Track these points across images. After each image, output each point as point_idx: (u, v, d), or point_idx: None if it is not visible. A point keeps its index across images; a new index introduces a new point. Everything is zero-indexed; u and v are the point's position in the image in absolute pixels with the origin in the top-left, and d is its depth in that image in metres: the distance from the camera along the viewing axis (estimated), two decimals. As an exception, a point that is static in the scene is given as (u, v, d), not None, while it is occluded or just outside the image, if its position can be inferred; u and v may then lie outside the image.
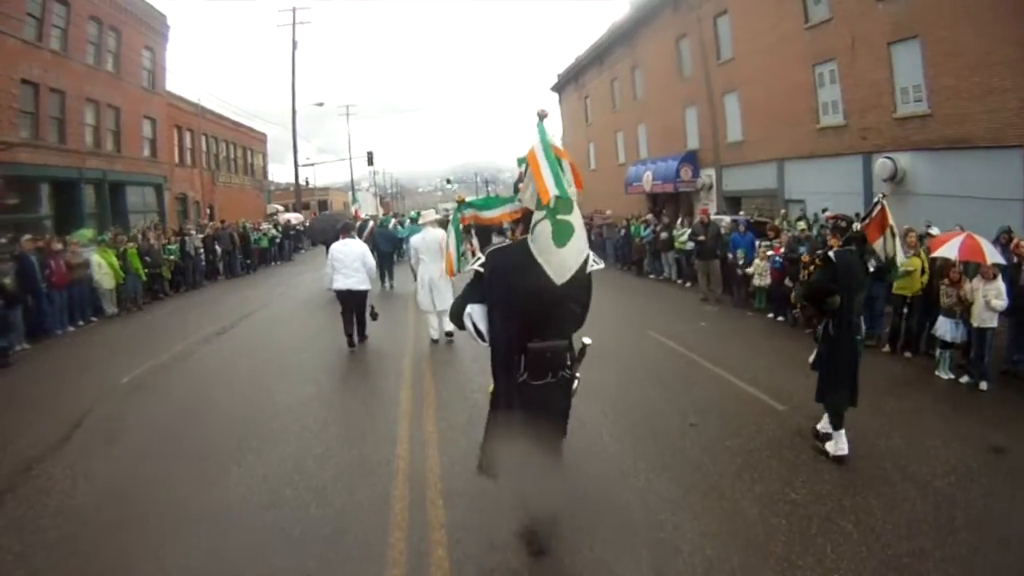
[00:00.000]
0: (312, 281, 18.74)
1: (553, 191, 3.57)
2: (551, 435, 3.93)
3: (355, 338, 10.08)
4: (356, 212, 19.29)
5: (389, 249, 17.74)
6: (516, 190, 4.56)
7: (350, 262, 9.62)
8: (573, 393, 4.05)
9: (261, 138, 45.54)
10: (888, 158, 15.93)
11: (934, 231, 10.13)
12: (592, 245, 22.63)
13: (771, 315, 12.23)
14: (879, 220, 6.52)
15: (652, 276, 18.78)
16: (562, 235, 3.58)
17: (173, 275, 18.54)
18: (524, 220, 3.98)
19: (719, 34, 22.65)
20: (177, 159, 31.13)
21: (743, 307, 13.40)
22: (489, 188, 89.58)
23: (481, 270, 3.86)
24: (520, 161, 4.15)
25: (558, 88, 45.03)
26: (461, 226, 6.21)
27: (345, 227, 10.63)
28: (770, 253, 12.22)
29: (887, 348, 9.70)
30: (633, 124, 31.82)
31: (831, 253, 5.92)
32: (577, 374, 4.07)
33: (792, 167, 19.76)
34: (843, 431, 5.66)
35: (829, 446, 5.74)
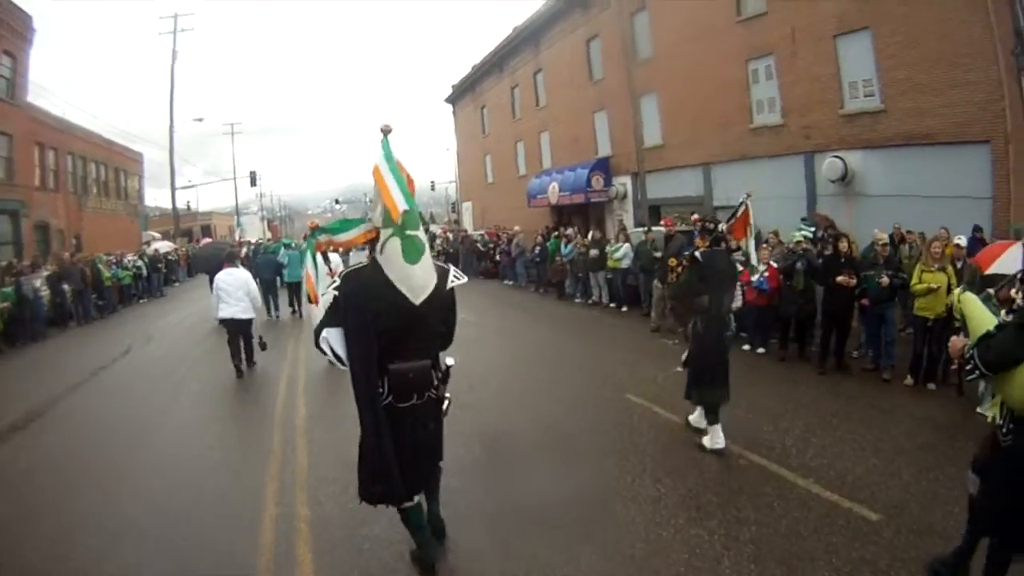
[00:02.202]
0: (179, 323, 16.71)
1: (402, 205, 3.56)
2: (424, 458, 3.92)
3: (243, 367, 10.02)
4: (237, 240, 19.36)
5: (271, 276, 16.46)
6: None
7: (234, 291, 9.66)
8: (444, 414, 4.03)
9: (136, 158, 40.87)
10: (837, 157, 14.34)
11: (960, 241, 8.33)
12: (498, 266, 19.72)
13: (747, 347, 9.99)
14: (743, 220, 6.63)
15: (579, 300, 16.38)
16: (413, 251, 3.58)
17: (7, 326, 14.60)
18: (379, 238, 3.80)
19: (636, 32, 20.85)
20: (38, 182, 26.59)
21: None
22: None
23: (336, 293, 3.74)
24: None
25: (452, 99, 42.67)
26: (319, 253, 5.97)
27: (229, 256, 10.85)
28: (756, 276, 9.49)
29: (909, 380, 7.71)
30: (535, 133, 29.66)
31: (698, 253, 6.10)
32: (447, 394, 4.01)
33: (721, 171, 17.96)
34: (719, 425, 5.78)
35: (706, 441, 5.85)
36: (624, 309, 14.47)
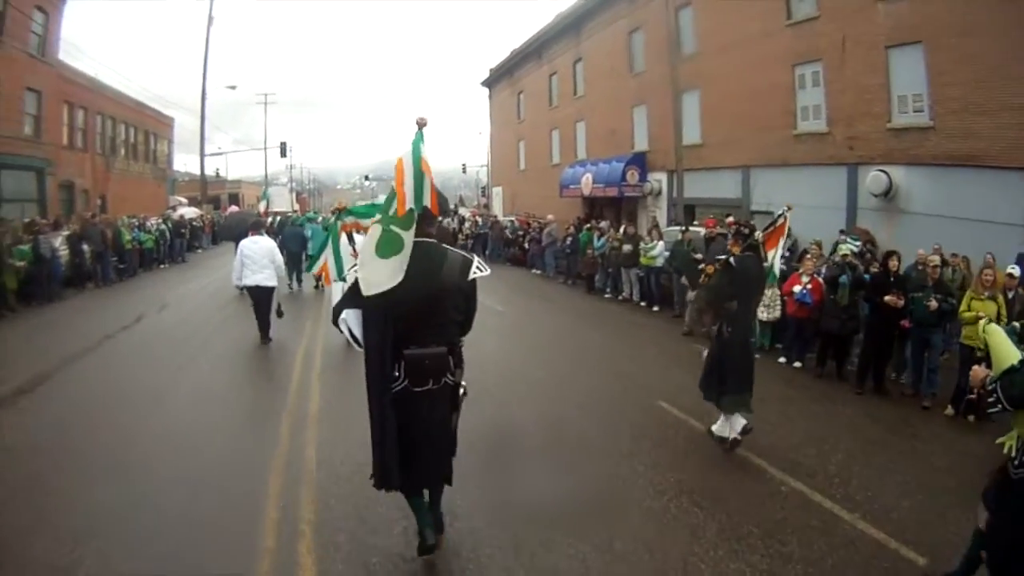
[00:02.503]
0: (199, 290, 16.68)
1: (409, 203, 3.55)
2: (435, 446, 3.92)
3: (268, 332, 10.26)
4: (264, 210, 19.07)
5: (297, 249, 16.52)
6: None
7: (259, 258, 9.78)
8: (461, 399, 4.04)
9: (167, 122, 40.76)
10: (881, 171, 14.21)
11: (1013, 270, 8.26)
12: (527, 254, 19.53)
13: (783, 359, 9.92)
14: (779, 231, 6.56)
15: (608, 295, 16.19)
16: (388, 247, 3.56)
17: (23, 285, 14.31)
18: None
19: (681, 27, 20.61)
20: (66, 140, 26.54)
21: None
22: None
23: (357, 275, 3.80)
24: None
25: (489, 83, 42.54)
26: (343, 233, 5.69)
27: (255, 224, 10.96)
28: (799, 287, 9.54)
29: (950, 410, 7.64)
30: (571, 122, 29.53)
31: (731, 259, 6.13)
32: (463, 382, 4.02)
33: (761, 175, 17.81)
34: (737, 416, 5.95)
35: (715, 427, 6.15)
36: (655, 308, 14.32)
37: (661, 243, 14.47)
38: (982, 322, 3.98)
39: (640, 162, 23.25)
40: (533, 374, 8.80)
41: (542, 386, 8.25)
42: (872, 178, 14.35)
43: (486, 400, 6.93)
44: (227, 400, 7.52)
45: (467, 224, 29.47)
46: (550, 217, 21.27)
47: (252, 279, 9.79)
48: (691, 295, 11.68)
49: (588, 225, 18.60)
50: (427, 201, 3.61)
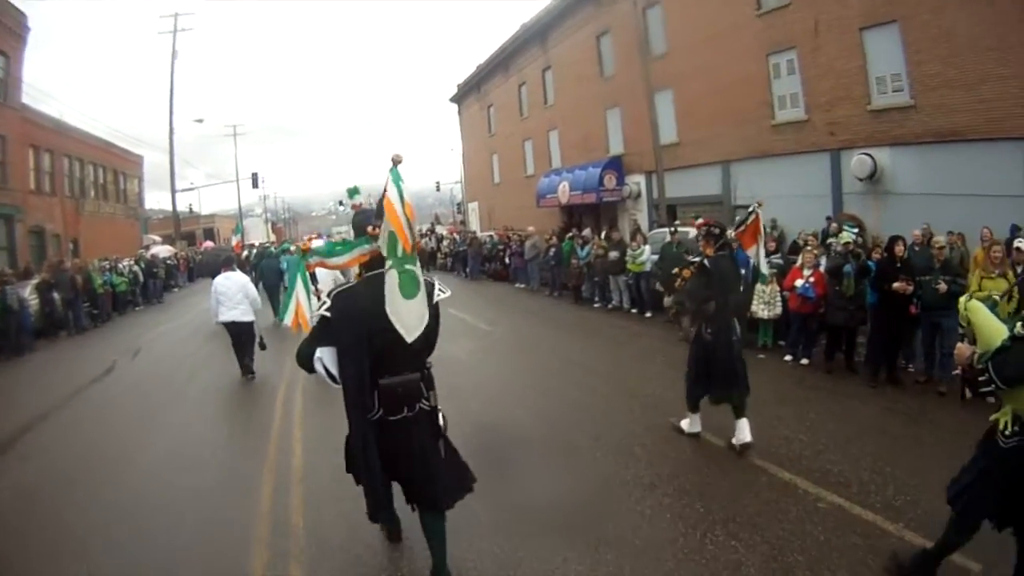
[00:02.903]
0: (172, 332, 15.85)
1: (411, 240, 3.58)
2: (419, 472, 3.86)
3: (251, 366, 10.11)
4: (236, 244, 19.01)
5: (275, 281, 16.21)
6: (360, 230, 4.09)
7: (233, 294, 9.72)
8: (443, 427, 3.95)
9: (136, 160, 40.13)
10: (866, 154, 13.86)
11: (1022, 244, 7.78)
12: (508, 268, 18.63)
13: (788, 358, 9.28)
14: (753, 228, 6.43)
15: (597, 304, 15.52)
16: (411, 287, 3.54)
17: None
18: (371, 261, 3.93)
19: (649, 27, 20.33)
20: (33, 185, 26.00)
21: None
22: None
23: (327, 314, 3.71)
24: (351, 192, 4.36)
25: (457, 99, 42.16)
26: (308, 273, 5.80)
27: (226, 260, 10.97)
28: (801, 281, 8.94)
29: (969, 394, 7.16)
30: (544, 131, 29.16)
31: (705, 260, 6.08)
32: (439, 406, 3.97)
33: (741, 169, 17.39)
34: (698, 414, 6.27)
35: (684, 424, 6.38)
36: (648, 315, 13.66)
37: (647, 247, 13.95)
38: (963, 299, 3.78)
39: (617, 166, 22.84)
40: (536, 403, 7.94)
41: (547, 415, 7.40)
42: (856, 162, 14.01)
43: (490, 436, 6.42)
44: (202, 458, 6.67)
45: (445, 242, 29.01)
46: (531, 229, 20.66)
47: (228, 315, 9.69)
48: (668, 300, 11.23)
49: (570, 234, 18.09)
50: (413, 236, 3.64)
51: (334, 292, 3.83)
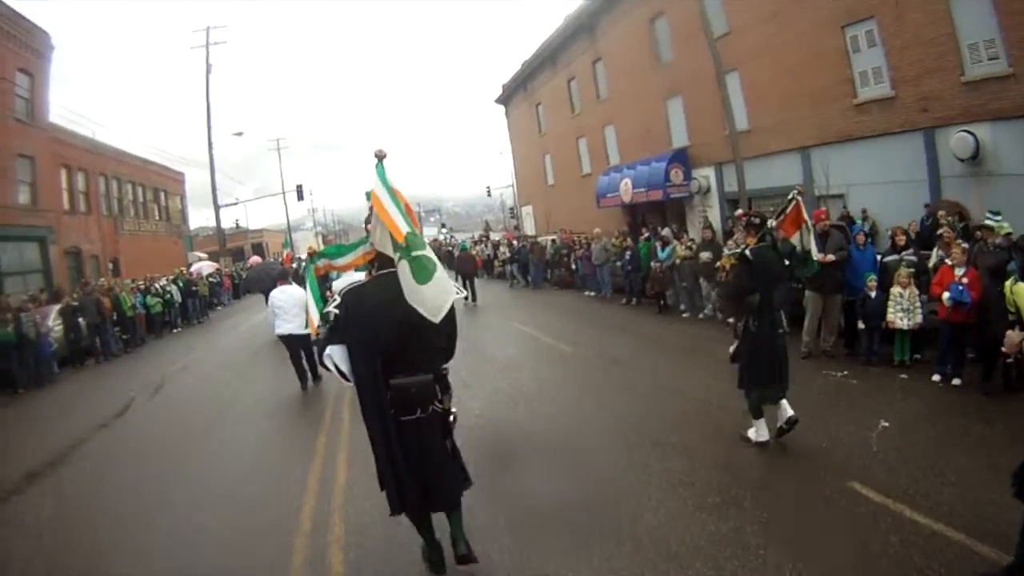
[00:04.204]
0: (207, 358, 14.78)
1: (404, 228, 3.63)
2: (433, 473, 3.91)
3: (307, 380, 10.24)
4: (287, 257, 18.84)
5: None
6: (366, 229, 4.32)
7: (289, 308, 9.84)
8: (452, 425, 4.05)
9: (177, 178, 40.36)
10: (966, 131, 12.48)
11: None
12: (575, 274, 17.42)
13: (937, 377, 7.64)
14: (794, 216, 6.35)
15: (686, 314, 13.83)
16: (423, 271, 3.55)
17: (3, 372, 13.21)
18: (378, 260, 4.03)
19: (707, 5, 19.00)
20: (67, 205, 26.01)
21: (873, 362, 8.54)
22: (432, 218, 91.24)
23: (338, 311, 3.86)
24: (368, 196, 4.01)
25: (504, 100, 41.41)
26: (316, 276, 5.88)
27: (281, 274, 11.49)
28: (954, 287, 7.36)
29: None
30: (598, 127, 28.04)
31: (747, 251, 5.99)
32: (453, 408, 4.05)
33: (823, 155, 15.91)
34: (763, 419, 5.99)
35: (751, 433, 6.06)
36: None
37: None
38: (1008, 282, 3.63)
39: (683, 159, 21.58)
40: (649, 448, 6.28)
41: (684, 474, 5.64)
42: (957, 140, 12.55)
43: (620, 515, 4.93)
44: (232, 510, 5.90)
45: (502, 248, 28.19)
46: (598, 231, 19.28)
47: (284, 328, 9.90)
48: (713, 295, 10.74)
49: (644, 235, 16.93)
50: (409, 222, 3.71)
51: (344, 290, 3.98)
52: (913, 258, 9.14)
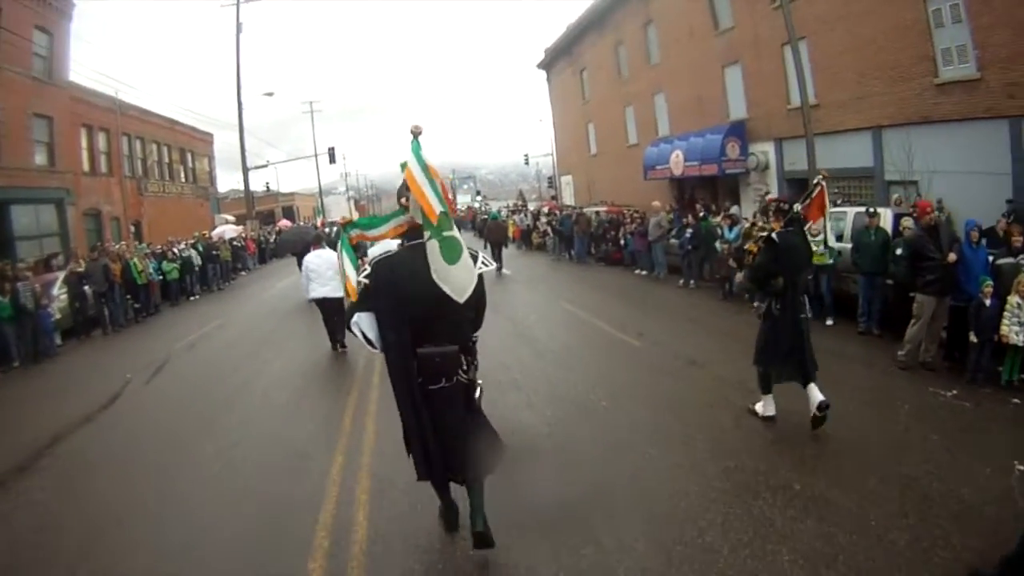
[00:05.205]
0: (215, 335, 13.67)
1: (438, 208, 3.70)
2: (457, 442, 3.99)
3: (342, 340, 10.45)
4: (321, 221, 19.51)
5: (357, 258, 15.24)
6: (400, 204, 4.27)
7: (324, 271, 10.00)
8: (479, 398, 4.14)
9: (205, 139, 39.80)
10: (1059, 122, 11.55)
11: None
12: (623, 250, 16.04)
13: None
14: (819, 201, 6.39)
15: (755, 303, 11.55)
16: (452, 252, 3.69)
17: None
18: (409, 232, 4.10)
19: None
20: (87, 167, 25.72)
21: (979, 380, 7.33)
22: (466, 186, 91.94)
23: (366, 281, 3.99)
24: (403, 166, 3.93)
25: (546, 65, 40.40)
26: (351, 245, 5.45)
27: (316, 239, 11.70)
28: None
29: None
30: (648, 95, 27.08)
31: (774, 235, 6.07)
32: (479, 380, 4.13)
33: (896, 137, 15.04)
34: (771, 396, 6.24)
35: (759, 407, 6.32)
36: (829, 323, 10.50)
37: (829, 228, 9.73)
38: None
39: (740, 132, 20.65)
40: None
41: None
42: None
43: None
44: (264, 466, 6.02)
45: (543, 218, 27.45)
46: (656, 204, 18.37)
47: (319, 292, 10.12)
48: (739, 277, 10.12)
49: (700, 211, 15.92)
50: (443, 202, 3.77)
51: (375, 260, 4.04)
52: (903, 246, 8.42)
